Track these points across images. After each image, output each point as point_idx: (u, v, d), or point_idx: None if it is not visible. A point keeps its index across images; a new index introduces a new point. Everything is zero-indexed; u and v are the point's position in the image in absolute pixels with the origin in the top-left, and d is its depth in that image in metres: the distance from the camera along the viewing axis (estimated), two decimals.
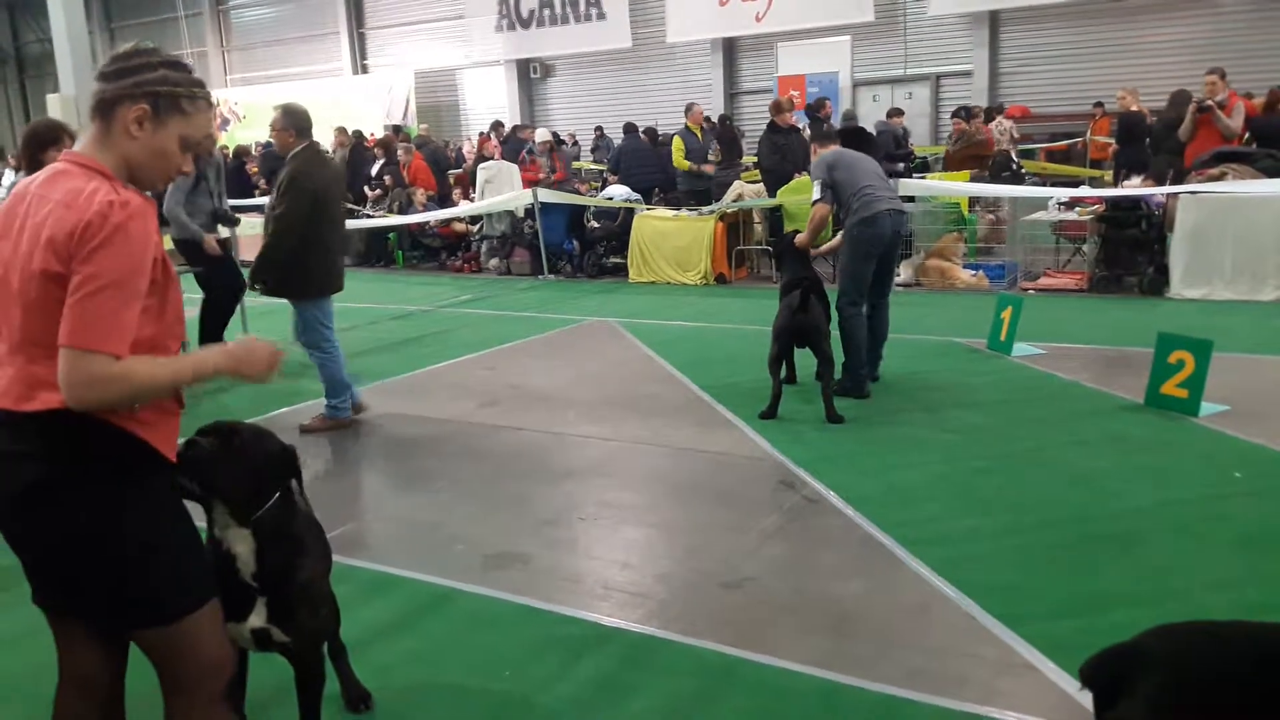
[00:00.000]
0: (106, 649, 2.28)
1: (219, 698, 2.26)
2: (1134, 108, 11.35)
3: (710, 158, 12.64)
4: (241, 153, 17.69)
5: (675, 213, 11.62)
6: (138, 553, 2.09)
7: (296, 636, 2.52)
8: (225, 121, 25.86)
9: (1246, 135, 9.81)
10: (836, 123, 13.42)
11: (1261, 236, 8.47)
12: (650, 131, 14.79)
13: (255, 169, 17.06)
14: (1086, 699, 2.90)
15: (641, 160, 13.42)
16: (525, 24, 21.94)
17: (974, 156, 12.01)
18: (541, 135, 14.52)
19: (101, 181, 2.02)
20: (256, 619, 2.44)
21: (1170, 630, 2.01)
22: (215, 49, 27.46)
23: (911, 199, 10.35)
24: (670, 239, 11.33)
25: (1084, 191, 10.27)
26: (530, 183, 12.92)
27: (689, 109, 12.82)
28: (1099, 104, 15.18)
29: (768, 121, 11.15)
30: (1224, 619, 2.19)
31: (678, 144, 12.55)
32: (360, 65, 25.31)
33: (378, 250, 14.58)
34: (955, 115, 13.34)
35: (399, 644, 3.47)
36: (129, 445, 2.08)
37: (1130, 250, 9.31)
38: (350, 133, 16.51)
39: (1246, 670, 1.88)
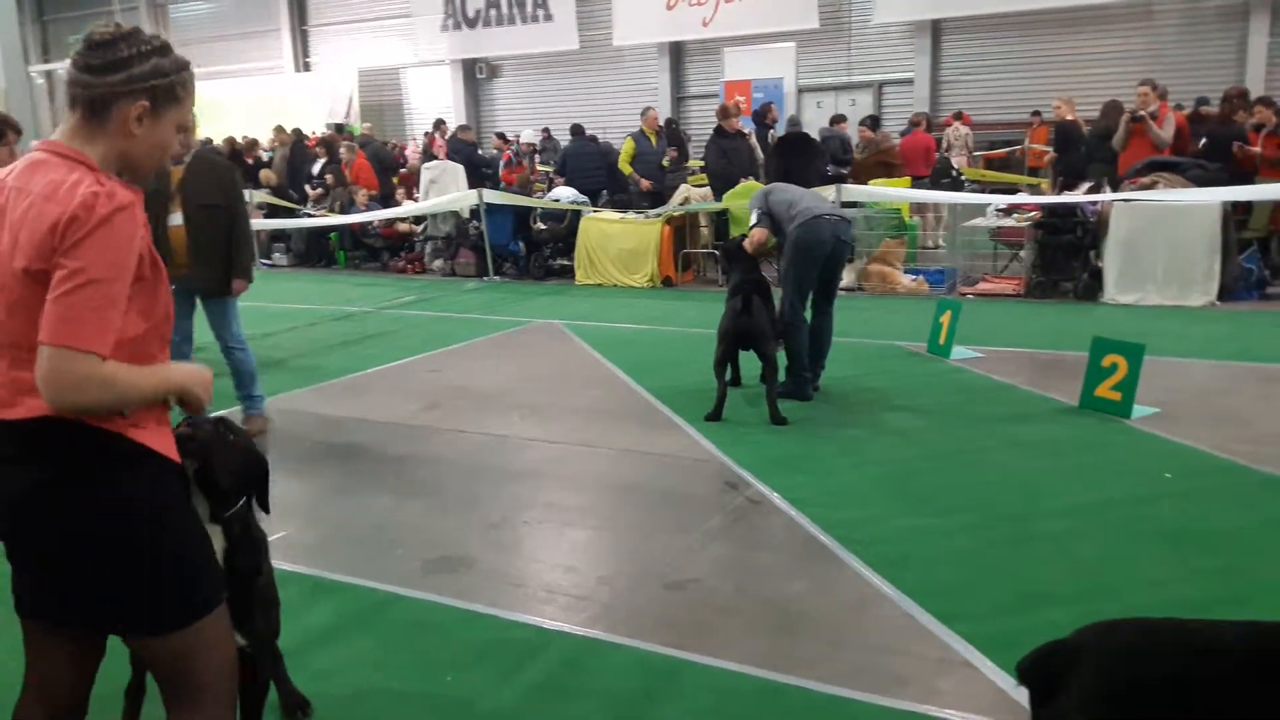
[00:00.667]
0: (84, 662, 2.20)
1: (232, 701, 2.19)
2: (1069, 117, 11.61)
3: (664, 164, 12.69)
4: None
5: (622, 215, 11.64)
6: (154, 554, 2.01)
7: (253, 638, 2.49)
8: None
9: (1203, 143, 10.03)
10: (781, 128, 13.56)
11: (1191, 244, 8.72)
12: (594, 137, 14.83)
13: None
14: (1023, 696, 2.97)
15: (588, 162, 13.43)
16: (471, 24, 21.79)
17: (881, 164, 12.19)
18: (527, 136, 14.45)
19: (85, 172, 1.92)
20: None
21: (1105, 627, 2.05)
22: None
23: (855, 205, 10.49)
24: (617, 241, 11.34)
25: (1022, 198, 10.49)
26: (511, 185, 12.97)
27: (644, 113, 12.87)
28: (1036, 113, 15.50)
29: (714, 126, 11.21)
30: (1156, 615, 2.23)
31: (628, 146, 12.61)
32: (303, 63, 24.94)
33: (319, 250, 14.39)
34: (862, 124, 13.59)
35: (339, 650, 3.41)
36: (125, 448, 1.99)
37: (1066, 256, 9.53)
38: (290, 131, 16.29)
39: (1179, 666, 1.91)
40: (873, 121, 12.77)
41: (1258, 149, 9.40)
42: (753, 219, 6.39)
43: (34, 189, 1.91)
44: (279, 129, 16.69)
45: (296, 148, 15.70)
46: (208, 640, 2.11)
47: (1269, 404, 5.85)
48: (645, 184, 12.48)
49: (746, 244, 6.50)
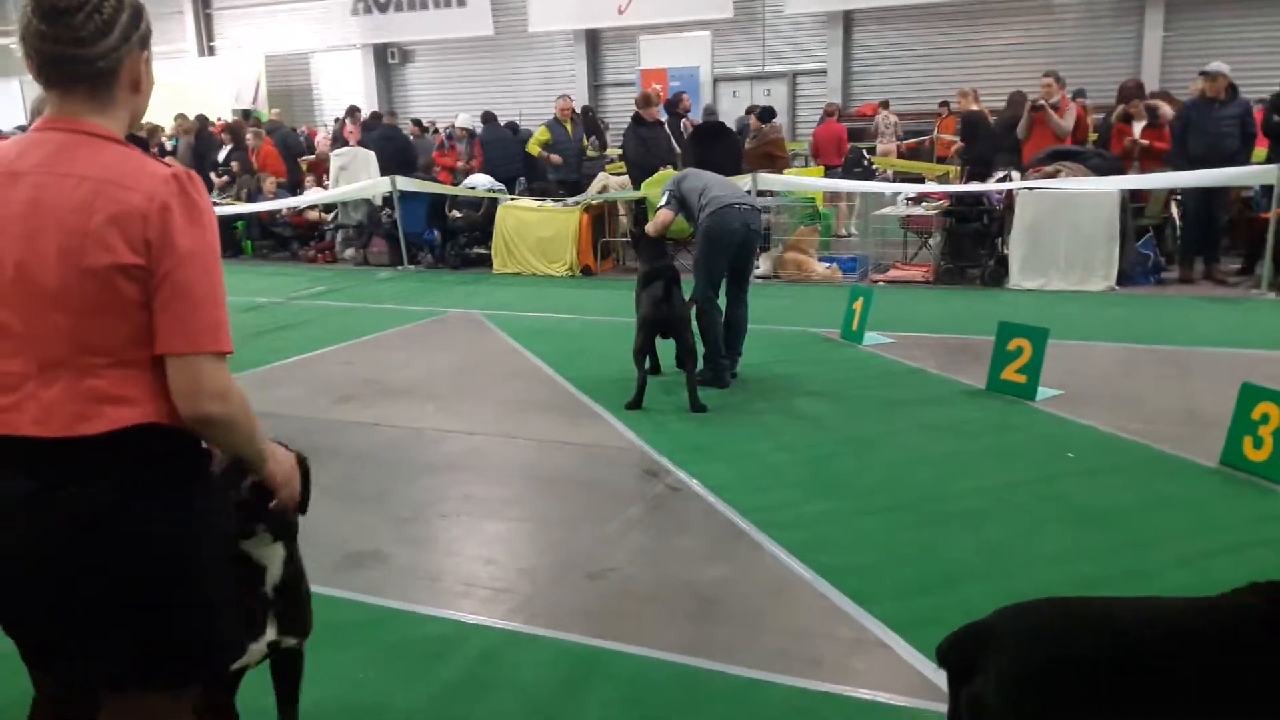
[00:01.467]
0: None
1: None
2: (974, 107, 11.88)
3: (590, 153, 12.63)
4: None
5: (540, 203, 11.54)
6: (196, 584, 1.79)
7: (302, 639, 2.45)
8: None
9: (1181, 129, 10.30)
10: (697, 117, 13.61)
11: (1092, 231, 9.01)
12: (512, 125, 14.67)
13: None
14: (940, 676, 3.04)
15: (505, 149, 13.30)
16: (383, 8, 21.39)
17: (767, 155, 12.32)
18: (462, 120, 14.22)
19: (132, 150, 1.73)
20: (271, 631, 2.33)
21: (1021, 608, 2.09)
22: None
23: (770, 194, 10.59)
24: (535, 230, 11.25)
25: (930, 187, 10.72)
26: (448, 169, 12.69)
27: (558, 100, 12.79)
28: (944, 104, 15.86)
29: (633, 114, 11.19)
30: (1062, 593, 2.29)
31: (542, 134, 12.52)
32: (207, 47, 24.17)
33: (225, 240, 13.94)
34: (750, 111, 13.73)
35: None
36: (199, 457, 1.82)
37: (972, 243, 9.77)
38: (194, 118, 15.77)
39: (1091, 645, 1.97)
40: (763, 112, 12.82)
41: (1137, 138, 9.76)
42: (662, 201, 6.41)
43: (91, 173, 1.68)
44: (181, 116, 16.14)
45: (201, 135, 15.21)
46: (180, 713, 1.88)
47: (1163, 384, 6.09)
48: (555, 158, 12.46)
49: (649, 226, 6.51)
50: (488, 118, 14.06)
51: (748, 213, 6.32)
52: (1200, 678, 1.95)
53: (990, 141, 11.30)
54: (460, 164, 13.27)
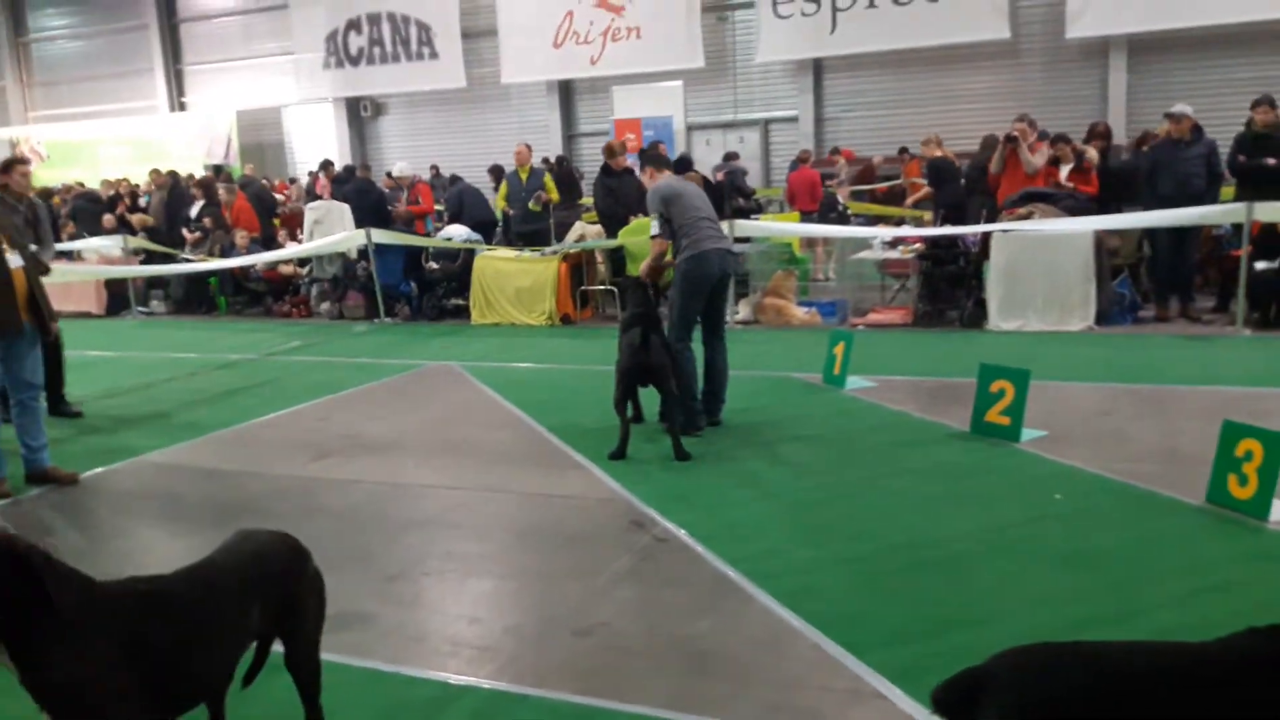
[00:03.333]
0: None
1: None
2: (938, 154, 12.01)
3: (531, 206, 12.57)
4: (46, 195, 16.51)
5: (518, 253, 11.55)
6: None
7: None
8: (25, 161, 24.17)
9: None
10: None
11: (1068, 271, 9.10)
12: (496, 169, 14.75)
13: (65, 213, 15.95)
14: None
15: (480, 199, 13.39)
16: (354, 61, 21.52)
17: None
18: (399, 169, 14.42)
19: None
20: None
21: (1018, 653, 2.10)
22: (15, 83, 25.70)
23: (748, 240, 10.65)
24: (513, 280, 11.24)
25: (905, 231, 10.82)
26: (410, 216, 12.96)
27: (517, 150, 12.87)
28: (904, 149, 16.03)
29: (601, 165, 11.26)
30: (1054, 636, 2.29)
31: (502, 189, 12.69)
32: (178, 103, 24.20)
33: (198, 296, 13.86)
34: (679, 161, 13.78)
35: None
36: None
37: (950, 286, 9.84)
38: (166, 173, 15.75)
39: (1089, 688, 1.98)
40: (679, 162, 12.87)
41: (1062, 181, 9.94)
42: (654, 227, 6.31)
43: None
44: (155, 171, 16.11)
45: (174, 190, 15.17)
46: None
47: (1145, 423, 6.11)
48: (510, 211, 12.65)
49: (644, 267, 6.48)
50: (453, 179, 14.29)
51: (725, 256, 6.33)
52: None
53: (956, 185, 11.45)
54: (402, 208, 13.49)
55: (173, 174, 15.89)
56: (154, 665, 2.29)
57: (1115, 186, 10.05)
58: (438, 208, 16.98)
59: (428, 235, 13.20)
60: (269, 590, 2.67)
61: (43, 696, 2.18)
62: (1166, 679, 2.01)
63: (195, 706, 2.48)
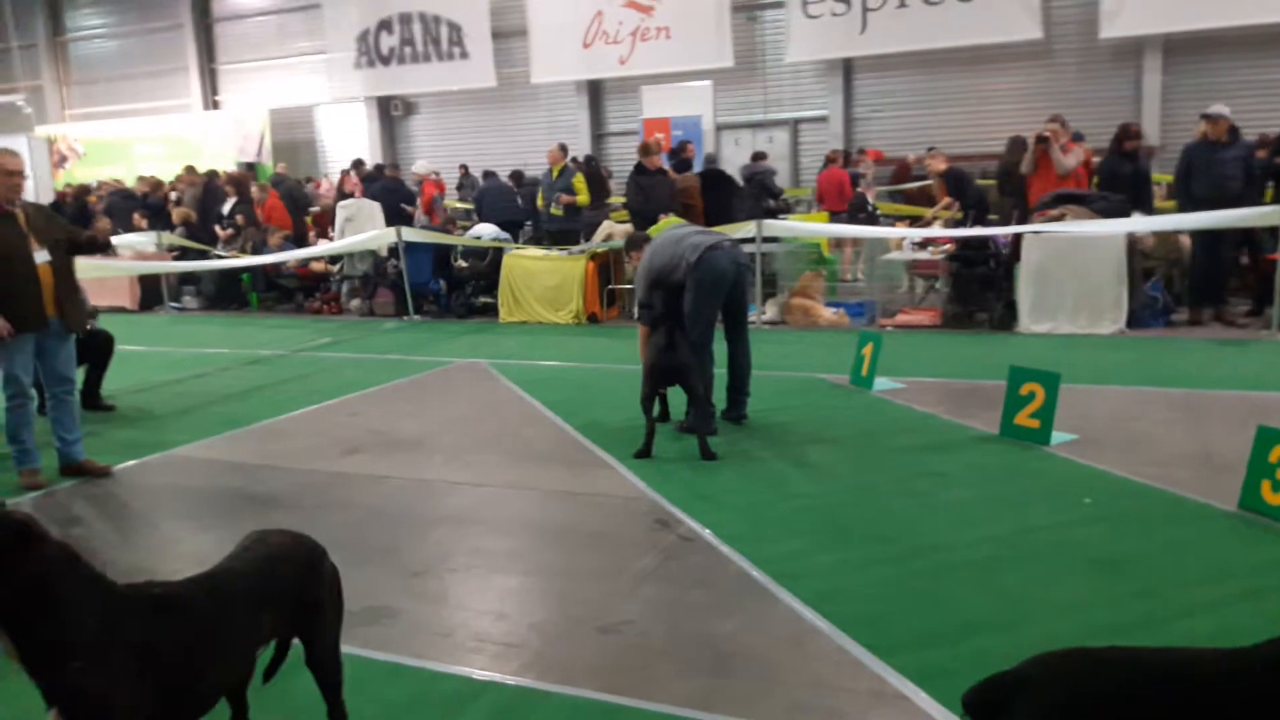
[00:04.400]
0: None
1: None
2: (942, 166, 11.86)
3: (554, 210, 12.68)
4: (83, 192, 16.78)
5: (546, 252, 11.59)
6: None
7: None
8: (63, 159, 24.56)
9: (1094, 180, 10.41)
10: (699, 165, 13.70)
11: (1099, 274, 9.01)
12: (516, 174, 14.79)
13: (100, 210, 16.17)
14: None
15: (503, 199, 13.46)
16: (385, 61, 21.66)
17: (683, 205, 12.36)
18: (419, 167, 14.54)
19: None
20: None
21: (1048, 658, 2.09)
22: (53, 82, 26.09)
23: (776, 240, 10.63)
24: (541, 278, 11.28)
25: (935, 232, 10.75)
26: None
27: (550, 151, 12.98)
28: (932, 149, 15.78)
29: (635, 163, 11.28)
30: (1081, 642, 2.27)
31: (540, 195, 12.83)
32: (212, 101, 24.47)
33: (230, 292, 14.02)
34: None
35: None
36: None
37: (980, 288, 9.76)
38: (203, 172, 15.94)
39: (1121, 694, 1.97)
40: (678, 164, 12.88)
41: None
42: (637, 311, 6.28)
43: None
44: (189, 169, 16.31)
45: (209, 188, 15.36)
46: None
47: (1176, 428, 6.04)
48: (565, 197, 12.66)
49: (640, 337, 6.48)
50: (486, 175, 14.29)
51: (733, 251, 6.32)
52: None
53: (974, 184, 11.38)
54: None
55: (210, 173, 16.09)
56: (166, 673, 2.30)
57: (1138, 189, 9.94)
58: (460, 205, 17.11)
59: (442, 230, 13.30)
60: (283, 595, 2.67)
61: (55, 697, 2.19)
62: (1201, 685, 1.98)
63: (206, 712, 2.48)
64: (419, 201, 13.89)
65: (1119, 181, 9.72)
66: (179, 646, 2.34)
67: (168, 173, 17.58)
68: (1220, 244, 9.20)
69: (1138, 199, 9.71)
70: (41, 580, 2.14)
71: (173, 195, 15.71)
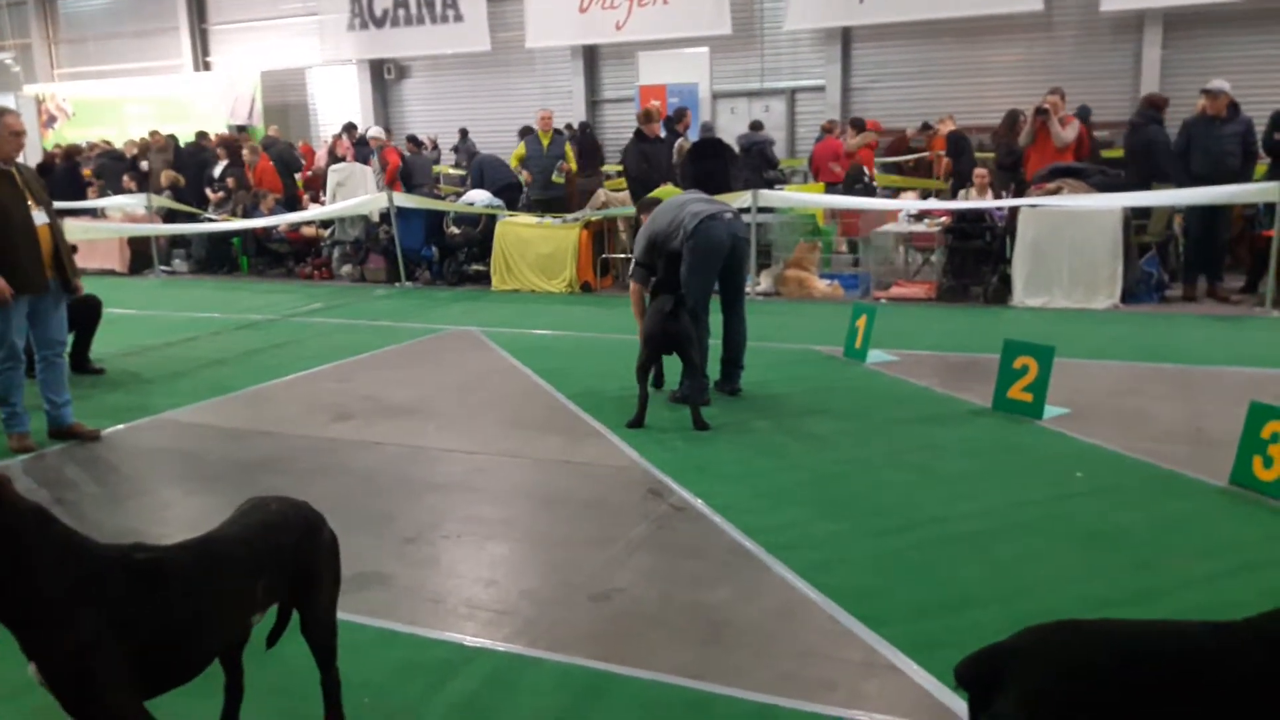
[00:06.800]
0: None
1: None
2: (952, 128, 11.91)
3: (555, 178, 12.52)
4: (73, 152, 16.59)
5: (539, 220, 11.51)
6: None
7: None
8: (52, 119, 24.28)
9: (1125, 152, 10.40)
10: (695, 134, 13.60)
11: (1095, 248, 8.99)
12: (527, 130, 14.61)
13: (89, 171, 16.02)
14: (950, 698, 2.98)
15: (503, 166, 13.32)
16: (379, 23, 21.38)
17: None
18: (372, 133, 14.29)
19: None
20: None
21: (1041, 630, 2.09)
22: (41, 40, 25.71)
23: (771, 210, 10.57)
24: (534, 246, 11.21)
25: (931, 204, 10.70)
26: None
27: (540, 112, 12.78)
28: (925, 124, 15.82)
29: (635, 130, 11.18)
30: (1073, 614, 2.27)
31: (518, 150, 12.54)
32: (202, 62, 24.16)
33: (220, 256, 13.92)
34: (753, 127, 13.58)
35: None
36: None
37: (975, 261, 9.74)
38: (166, 136, 15.83)
39: (1113, 666, 1.97)
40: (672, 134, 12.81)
41: None
42: (632, 266, 6.28)
43: None
44: (153, 133, 16.16)
45: (192, 151, 15.22)
46: None
47: (1169, 403, 6.04)
48: (526, 175, 12.42)
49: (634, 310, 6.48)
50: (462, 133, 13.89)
51: (732, 222, 6.27)
52: (1223, 702, 1.94)
53: (972, 154, 11.35)
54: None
55: (200, 134, 15.93)
56: (145, 638, 2.27)
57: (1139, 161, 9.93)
58: (451, 170, 16.91)
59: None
60: (277, 564, 2.63)
61: (30, 653, 2.18)
62: (1194, 658, 1.99)
63: (194, 677, 2.46)
64: (383, 171, 13.64)
65: (1155, 149, 9.69)
66: (159, 610, 2.31)
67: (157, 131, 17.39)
68: (1217, 220, 9.18)
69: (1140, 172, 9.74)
70: (12, 536, 2.12)
71: (142, 165, 15.48)
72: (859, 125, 14.21)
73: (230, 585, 2.51)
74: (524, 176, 12.54)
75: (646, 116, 11.12)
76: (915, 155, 16.12)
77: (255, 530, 2.63)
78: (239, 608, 2.56)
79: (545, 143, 12.55)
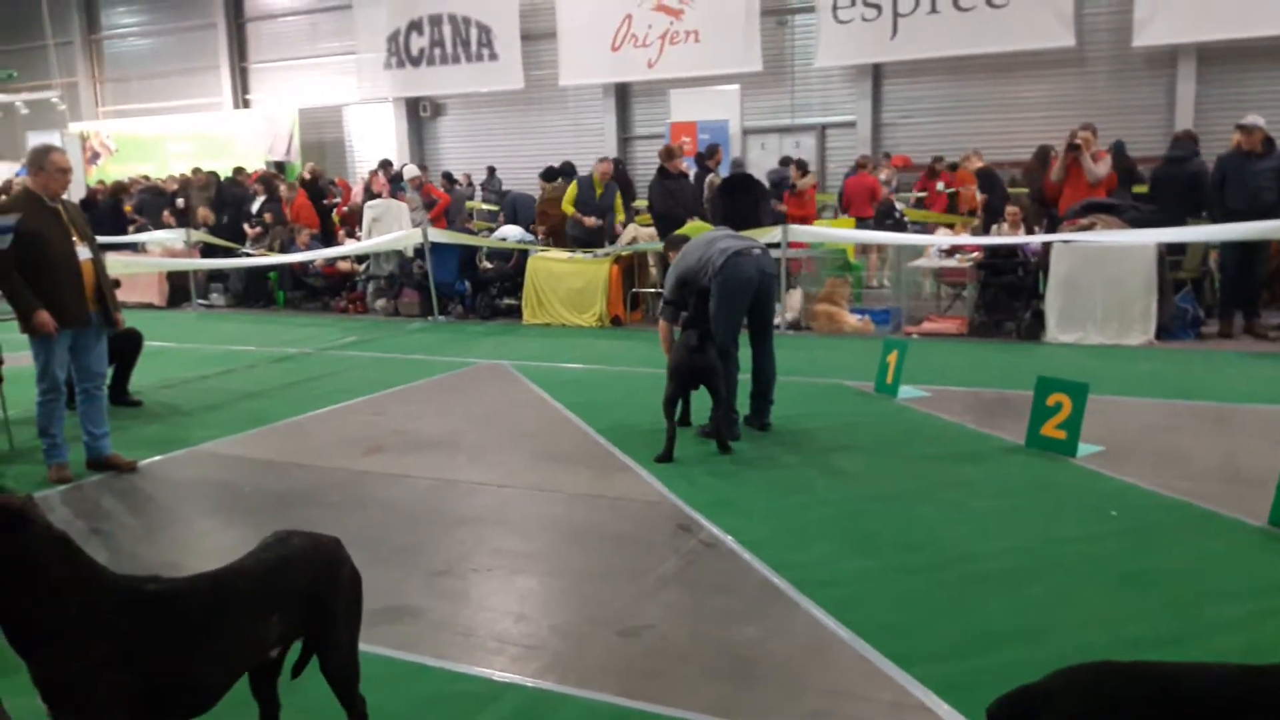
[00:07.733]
0: None
1: None
2: (980, 165, 11.89)
3: (588, 223, 12.45)
4: (119, 189, 16.96)
5: (570, 254, 11.60)
6: None
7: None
8: (96, 155, 24.86)
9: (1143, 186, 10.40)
10: (725, 170, 13.69)
11: (1129, 284, 8.92)
12: (548, 171, 14.70)
13: (130, 207, 16.37)
14: None
15: (533, 202, 13.44)
16: (415, 62, 21.77)
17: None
18: (410, 171, 14.36)
19: None
20: None
21: (1074, 671, 2.07)
22: (87, 79, 26.42)
23: (802, 245, 10.59)
24: (565, 281, 11.30)
25: (963, 239, 10.68)
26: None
27: (600, 160, 12.56)
28: (938, 159, 15.52)
29: (658, 167, 11.25)
30: (1107, 656, 2.24)
31: (570, 192, 12.51)
32: (242, 100, 24.69)
33: (257, 290, 14.13)
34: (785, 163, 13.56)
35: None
36: None
37: (1008, 296, 9.69)
38: (207, 173, 16.16)
39: (1147, 709, 1.95)
40: (703, 169, 12.80)
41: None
42: (660, 305, 6.29)
43: None
44: (195, 170, 16.51)
45: (227, 186, 15.51)
46: None
47: (1206, 441, 5.96)
48: (589, 221, 12.04)
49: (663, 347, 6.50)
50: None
51: (761, 258, 6.29)
52: None
53: (1003, 187, 11.34)
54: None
55: (238, 170, 16.24)
56: (150, 670, 2.28)
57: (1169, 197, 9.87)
58: (485, 206, 17.07)
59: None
60: (293, 599, 2.62)
61: (34, 677, 2.20)
62: (1229, 701, 1.96)
63: (206, 709, 2.45)
64: (428, 207, 13.76)
65: (1200, 181, 9.70)
66: (166, 643, 2.32)
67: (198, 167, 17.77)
68: (1253, 255, 9.08)
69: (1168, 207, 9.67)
70: (29, 559, 2.15)
71: (178, 202, 15.79)
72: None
73: (241, 620, 2.50)
74: (589, 222, 12.00)
75: (668, 153, 11.18)
76: (945, 190, 16.08)
77: (272, 565, 2.63)
78: (249, 643, 2.55)
79: (598, 192, 12.38)
